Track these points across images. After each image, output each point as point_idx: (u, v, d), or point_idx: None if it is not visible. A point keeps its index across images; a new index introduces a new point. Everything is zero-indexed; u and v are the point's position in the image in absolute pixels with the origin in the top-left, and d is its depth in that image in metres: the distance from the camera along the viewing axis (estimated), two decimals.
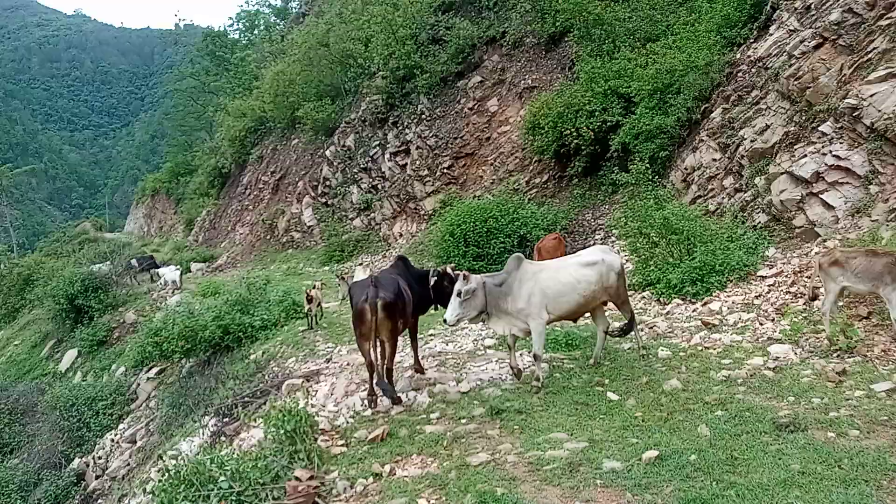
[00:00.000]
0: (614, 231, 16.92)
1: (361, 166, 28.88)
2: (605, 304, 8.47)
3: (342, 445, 6.95)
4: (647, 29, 20.16)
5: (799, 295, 9.57)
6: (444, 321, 7.68)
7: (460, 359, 9.50)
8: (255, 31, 62.87)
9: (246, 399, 9.43)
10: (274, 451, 6.64)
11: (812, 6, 13.88)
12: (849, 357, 7.40)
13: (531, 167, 22.14)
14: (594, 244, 17.17)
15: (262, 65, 45.64)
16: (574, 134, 18.83)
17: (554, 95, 20.79)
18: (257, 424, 8.20)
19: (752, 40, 15.91)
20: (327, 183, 30.95)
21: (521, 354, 9.27)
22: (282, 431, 6.83)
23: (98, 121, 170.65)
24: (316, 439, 7.10)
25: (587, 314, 8.49)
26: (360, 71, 31.19)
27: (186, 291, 24.50)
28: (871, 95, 11.11)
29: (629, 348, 9.04)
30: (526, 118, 21.11)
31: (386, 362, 7.69)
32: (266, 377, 10.28)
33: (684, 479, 5.15)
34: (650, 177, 14.42)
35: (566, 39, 23.18)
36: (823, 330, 8.18)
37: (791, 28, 14.34)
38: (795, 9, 14.47)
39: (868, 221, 10.39)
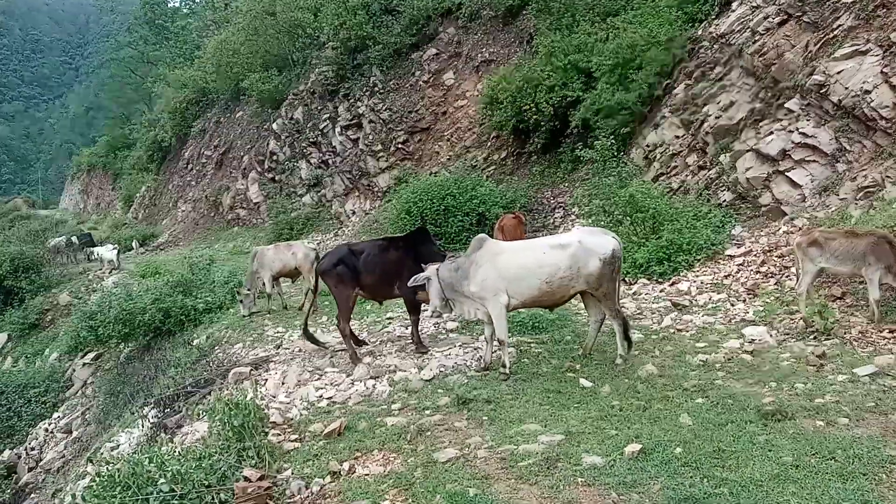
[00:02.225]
0: (574, 209, 16.59)
1: (311, 140, 27.83)
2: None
3: (296, 440, 6.35)
4: (606, 3, 19.71)
5: (770, 275, 9.35)
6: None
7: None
8: None
9: (189, 389, 8.70)
10: (220, 449, 6.00)
11: None
12: (826, 339, 7.16)
13: (489, 143, 21.60)
14: (553, 222, 16.87)
15: (205, 34, 43.82)
16: (533, 109, 18.34)
17: (512, 70, 20.24)
18: (201, 417, 7.52)
19: (713, 16, 15.63)
20: (274, 157, 29.78)
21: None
22: (229, 426, 6.18)
23: (28, 92, 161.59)
24: (266, 434, 6.46)
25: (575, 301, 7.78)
26: (309, 41, 29.99)
27: (125, 272, 23.25)
28: (838, 72, 10.91)
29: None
30: (484, 92, 20.52)
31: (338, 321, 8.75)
32: (210, 365, 9.54)
33: (672, 476, 4.74)
34: (615, 153, 14.05)
35: (524, 12, 22.62)
36: (797, 311, 7.95)
37: (754, 4, 14.09)
38: None
39: (836, 200, 10.23)
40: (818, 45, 11.67)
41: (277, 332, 10.81)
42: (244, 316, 12.18)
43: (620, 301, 7.84)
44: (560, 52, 18.52)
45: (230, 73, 33.73)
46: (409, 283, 7.68)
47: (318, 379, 8.02)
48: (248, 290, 12.49)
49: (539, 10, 21.10)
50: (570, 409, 6.15)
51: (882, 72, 10.24)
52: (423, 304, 8.47)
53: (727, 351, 7.27)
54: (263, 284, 12.62)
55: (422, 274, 7.57)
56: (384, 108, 24.99)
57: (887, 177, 9.64)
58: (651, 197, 12.12)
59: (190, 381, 9.22)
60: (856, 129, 10.57)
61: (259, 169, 30.87)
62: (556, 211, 17.24)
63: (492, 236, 14.30)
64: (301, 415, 6.96)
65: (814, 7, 12.11)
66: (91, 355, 17.31)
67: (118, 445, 9.42)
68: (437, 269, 7.45)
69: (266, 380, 8.16)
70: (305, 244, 13.25)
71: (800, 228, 10.30)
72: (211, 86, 37.32)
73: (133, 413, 10.22)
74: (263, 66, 31.67)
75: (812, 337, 7.31)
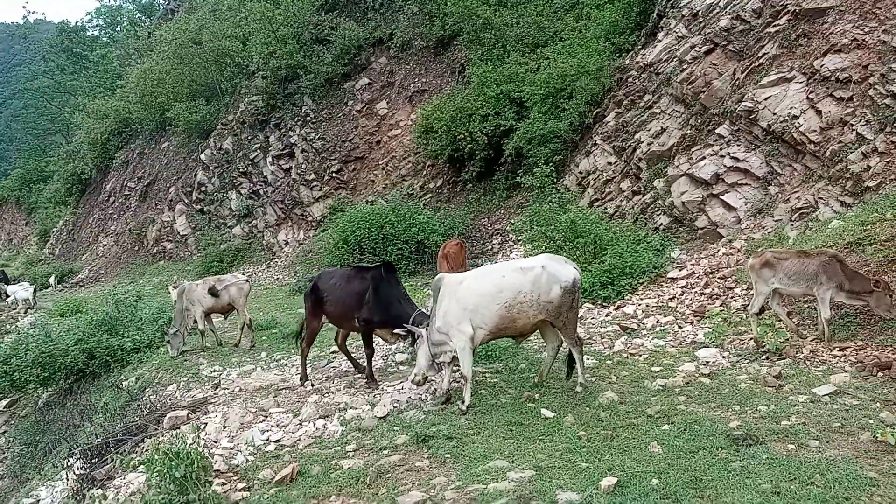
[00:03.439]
0: (511, 235, 16.61)
1: (241, 170, 27.09)
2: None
3: (244, 489, 5.88)
4: (535, 34, 20.14)
5: (714, 296, 9.48)
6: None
7: None
8: (118, 28, 58.35)
9: (119, 437, 8.00)
10: (161, 503, 5.48)
11: (699, 14, 14.19)
12: (778, 359, 7.23)
13: (425, 172, 21.52)
14: (491, 249, 16.83)
15: (127, 63, 42.32)
16: (468, 138, 18.42)
17: (445, 99, 20.32)
18: (136, 468, 6.90)
19: (640, 47, 16.12)
20: (203, 189, 28.80)
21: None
22: (169, 478, 5.66)
23: None
24: (211, 484, 5.96)
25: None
26: (238, 70, 29.42)
27: (42, 311, 21.75)
28: (766, 99, 11.35)
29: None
30: (418, 122, 20.50)
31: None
32: (142, 409, 8.83)
33: None
34: (554, 180, 14.16)
35: (455, 43, 22.85)
36: (747, 332, 8.04)
37: (680, 34, 14.60)
38: (683, 16, 14.76)
39: (771, 221, 10.54)
40: (745, 72, 12.14)
41: (214, 371, 10.18)
42: (173, 357, 11.47)
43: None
44: (492, 82, 18.73)
45: (155, 102, 32.61)
46: (395, 331, 7.68)
47: (263, 420, 7.52)
48: (176, 329, 11.76)
49: (470, 41, 21.34)
50: (536, 442, 5.93)
51: (808, 97, 10.70)
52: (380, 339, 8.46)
53: (684, 374, 7.24)
54: (195, 322, 11.94)
55: (412, 328, 7.43)
56: (317, 137, 24.63)
57: (819, 198, 10.01)
58: (591, 222, 12.22)
59: (120, 427, 8.50)
60: (786, 153, 10.98)
61: (186, 200, 29.76)
62: (494, 237, 17.23)
63: (435, 264, 14.20)
64: (247, 460, 6.48)
65: (739, 36, 12.61)
66: (4, 401, 15.95)
67: (38, 501, 8.60)
68: (427, 330, 7.22)
69: (206, 423, 7.60)
70: (237, 276, 12.63)
71: (738, 250, 10.55)
72: (134, 116, 35.95)
73: (55, 465, 9.36)
74: (190, 95, 30.79)
75: (764, 357, 7.38)
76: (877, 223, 8.40)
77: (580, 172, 16.11)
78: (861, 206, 9.32)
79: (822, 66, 10.77)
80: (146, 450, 7.41)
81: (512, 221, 16.96)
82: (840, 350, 7.10)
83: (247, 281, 12.58)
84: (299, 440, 6.81)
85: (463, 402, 6.84)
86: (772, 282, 7.63)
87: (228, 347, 11.93)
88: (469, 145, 18.51)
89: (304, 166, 24.73)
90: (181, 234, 29.40)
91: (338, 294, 8.47)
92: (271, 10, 25.99)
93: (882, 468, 4.77)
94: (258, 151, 26.53)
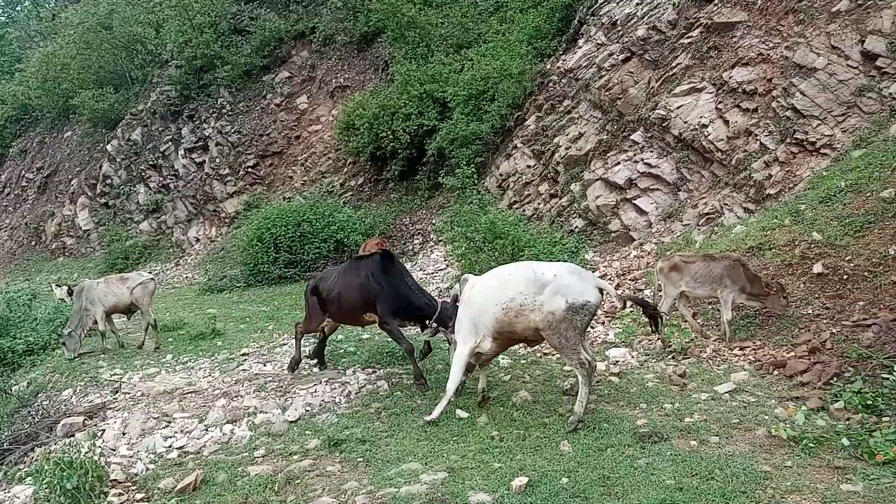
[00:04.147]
0: (432, 235, 16.59)
1: (150, 163, 25.90)
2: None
3: (143, 500, 5.55)
4: (459, 35, 20.22)
5: None
6: None
7: (283, 381, 8.30)
8: (19, 7, 54.70)
9: (6, 446, 7.42)
10: None
11: (618, 22, 14.61)
12: (683, 359, 7.49)
13: (346, 169, 21.21)
14: (412, 249, 16.75)
15: (28, 45, 39.68)
16: (390, 137, 18.29)
17: (368, 96, 20.12)
18: (23, 480, 6.42)
19: (561, 52, 16.44)
20: (108, 181, 27.33)
21: (353, 371, 8.37)
22: (60, 490, 5.29)
23: None
24: (106, 494, 5.62)
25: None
26: (150, 58, 28.19)
27: None
28: (678, 107, 11.77)
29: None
30: (339, 118, 20.21)
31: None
32: (33, 416, 8.22)
33: None
34: (475, 181, 14.22)
35: (379, 40, 22.68)
36: (655, 333, 8.28)
37: (599, 42, 14.99)
38: (602, 24, 15.16)
39: (680, 226, 10.94)
40: (659, 81, 12.56)
41: (114, 375, 9.61)
42: (70, 359, 10.77)
43: None
44: (416, 80, 18.66)
45: (58, 89, 30.65)
46: (424, 333, 7.51)
47: (167, 426, 7.14)
48: (71, 330, 11.01)
49: (394, 39, 21.20)
50: (450, 444, 5.88)
51: (716, 108, 11.17)
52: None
53: (595, 373, 7.36)
54: (94, 322, 11.27)
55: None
56: (233, 130, 23.87)
57: (725, 204, 10.46)
58: (509, 224, 12.32)
59: (7, 436, 7.89)
60: (695, 161, 11.42)
61: (90, 194, 28.18)
62: (416, 237, 17.17)
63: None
64: (148, 469, 6.13)
65: (654, 46, 13.04)
66: None
67: None
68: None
69: (103, 430, 7.15)
70: (143, 275, 11.99)
71: (649, 253, 10.89)
72: (35, 102, 33.68)
73: None
74: (97, 82, 29.15)
75: (670, 357, 7.63)
76: (776, 229, 8.84)
77: (501, 174, 16.27)
78: (762, 212, 9.79)
79: (730, 77, 11.26)
80: (36, 460, 6.92)
81: (433, 221, 16.95)
82: (740, 349, 7.42)
83: (152, 279, 11.97)
84: (204, 446, 6.50)
85: (429, 414, 6.43)
86: (679, 284, 7.90)
87: (131, 349, 11.32)
88: (391, 144, 18.37)
89: (218, 160, 23.90)
90: (83, 229, 27.81)
91: (338, 290, 7.92)
92: None
93: (775, 462, 4.98)
94: (169, 143, 25.46)
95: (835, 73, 10.06)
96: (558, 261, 11.31)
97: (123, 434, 6.96)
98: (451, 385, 6.41)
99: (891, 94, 9.56)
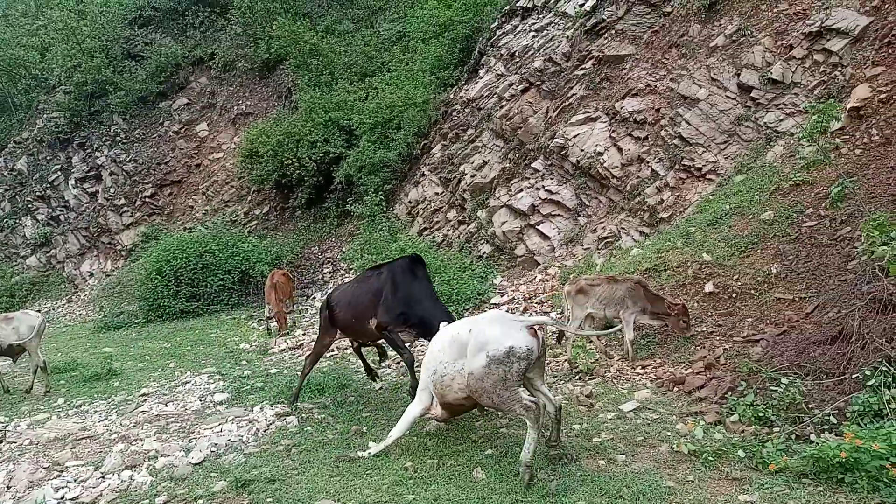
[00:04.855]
0: (343, 263, 16.45)
1: (37, 194, 24.35)
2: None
3: None
4: (363, 64, 20.34)
5: None
6: None
7: (187, 421, 7.93)
8: None
9: None
10: None
11: (516, 54, 15.13)
12: (590, 379, 7.72)
13: (250, 197, 20.72)
14: (322, 278, 16.52)
15: None
16: (296, 164, 18.07)
17: (272, 123, 19.84)
18: None
19: (463, 82, 16.83)
20: None
21: (261, 408, 8.11)
22: None
23: None
24: None
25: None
26: (35, 83, 26.59)
27: None
28: (575, 136, 12.28)
29: (381, 388, 8.46)
30: (242, 145, 19.79)
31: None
32: None
33: None
34: (384, 209, 14.24)
35: (282, 67, 22.45)
36: (562, 353, 8.51)
37: (499, 72, 15.45)
38: (501, 55, 15.65)
39: (581, 249, 11.35)
40: (556, 111, 13.07)
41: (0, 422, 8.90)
42: None
43: None
44: (320, 108, 18.59)
45: None
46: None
47: (58, 476, 6.64)
48: None
49: (297, 66, 21.07)
50: (363, 477, 5.79)
51: (610, 136, 11.73)
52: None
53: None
54: None
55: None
56: (128, 159, 22.87)
57: (622, 228, 10.96)
58: (420, 251, 12.40)
59: None
60: (592, 187, 11.92)
61: None
62: (325, 266, 16.95)
63: (261, 295, 13.63)
64: None
65: (551, 77, 13.57)
66: None
67: None
68: None
69: None
70: (30, 314, 11.20)
71: (553, 276, 11.22)
72: None
73: None
74: None
75: (577, 378, 7.85)
76: (669, 251, 9.33)
77: (410, 202, 16.38)
78: (656, 235, 10.33)
79: (622, 107, 11.88)
80: None
81: (343, 249, 16.80)
82: (642, 368, 7.74)
83: (41, 319, 11.19)
84: (101, 496, 6.08)
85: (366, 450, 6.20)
86: (586, 306, 8.17)
87: (18, 394, 10.51)
88: (297, 171, 18.15)
89: (112, 190, 22.78)
90: None
91: (348, 298, 7.45)
92: (75, 21, 23.86)
93: (678, 476, 5.20)
94: (59, 173, 24.06)
95: (716, 104, 10.82)
96: (468, 286, 11.50)
97: (8, 488, 6.42)
98: (393, 435, 6.10)
99: (766, 122, 10.36)
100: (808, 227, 8.19)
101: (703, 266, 8.69)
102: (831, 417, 5.54)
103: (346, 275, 15.64)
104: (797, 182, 8.90)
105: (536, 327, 5.33)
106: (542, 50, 14.45)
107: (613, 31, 12.83)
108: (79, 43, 23.62)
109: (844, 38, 10.00)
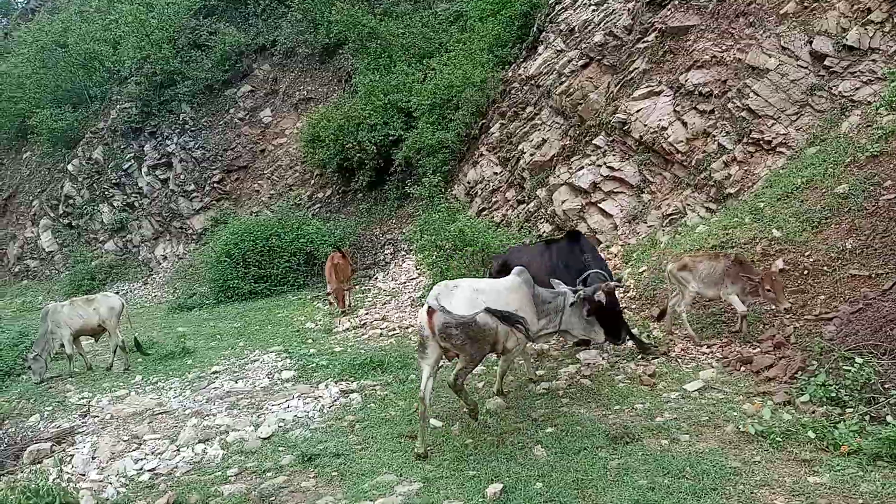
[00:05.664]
0: (403, 244, 16.61)
1: (113, 181, 25.48)
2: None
3: None
4: (421, 45, 20.30)
5: None
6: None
7: (256, 397, 8.24)
8: None
9: None
10: None
11: (575, 29, 14.81)
12: (653, 359, 7.59)
13: (313, 181, 21.13)
14: (384, 259, 16.75)
15: None
16: (356, 147, 18.28)
17: (332, 108, 20.09)
18: None
19: (521, 59, 16.61)
20: (70, 201, 26.84)
21: (326, 385, 8.32)
22: None
23: None
24: None
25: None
26: (109, 75, 27.73)
27: None
28: (637, 111, 11.97)
29: None
30: (304, 130, 20.12)
31: None
32: None
33: None
34: (442, 190, 14.27)
35: (341, 51, 22.65)
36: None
37: (558, 48, 15.16)
38: (560, 31, 15.34)
39: (645, 227, 11.11)
40: (618, 86, 12.76)
41: (83, 399, 9.43)
42: (37, 384, 10.55)
43: None
44: (379, 91, 18.70)
45: (14, 108, 30.00)
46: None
47: (137, 448, 7.04)
48: (36, 353, 10.80)
49: (356, 50, 21.23)
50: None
51: (674, 110, 11.38)
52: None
53: (567, 377, 7.46)
54: (61, 345, 11.06)
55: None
56: (196, 146, 23.63)
57: (687, 205, 10.66)
58: (478, 231, 12.39)
59: None
60: (656, 163, 11.62)
61: (52, 214, 27.63)
62: (387, 247, 17.15)
63: (324, 275, 13.93)
64: (119, 493, 6.01)
65: (612, 51, 13.25)
66: None
67: None
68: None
69: (72, 455, 7.01)
70: (109, 296, 11.79)
71: (615, 255, 11.04)
72: None
73: None
74: (55, 101, 28.60)
75: (640, 357, 7.73)
76: (737, 227, 9.03)
77: (468, 182, 16.36)
78: (723, 211, 10.00)
79: (686, 80, 11.49)
80: (1, 489, 6.75)
81: (403, 231, 16.97)
82: (708, 347, 7.56)
83: (120, 300, 11.79)
84: (176, 467, 6.42)
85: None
86: (691, 284, 7.71)
87: (100, 372, 11.13)
88: (358, 154, 18.37)
89: (182, 176, 23.63)
90: (47, 250, 27.25)
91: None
92: (144, 14, 24.68)
93: (744, 457, 5.09)
94: (132, 161, 25.09)
95: (786, 74, 10.34)
96: None
97: (93, 458, 6.83)
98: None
99: (840, 92, 9.85)
100: (886, 200, 7.77)
101: (773, 242, 8.37)
102: None
103: (407, 255, 15.79)
104: (874, 153, 8.44)
105: (437, 309, 5.71)
106: (602, 24, 14.09)
107: (677, 2, 12.37)
108: (147, 35, 24.46)
109: None
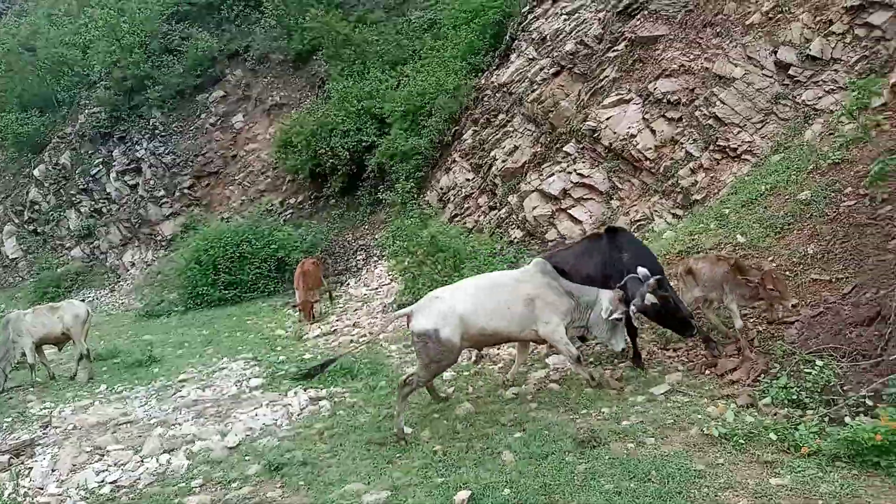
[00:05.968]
0: (375, 251, 16.58)
1: (80, 187, 25.06)
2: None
3: None
4: (395, 52, 20.37)
5: None
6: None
7: (223, 406, 8.13)
8: None
9: None
10: None
11: (547, 38, 14.94)
12: (620, 363, 7.65)
13: (285, 187, 21.02)
14: (356, 265, 16.69)
15: None
16: (329, 153, 18.26)
17: (305, 114, 20.05)
18: None
19: (494, 67, 16.71)
20: (36, 207, 26.32)
21: (295, 392, 8.25)
22: None
23: None
24: None
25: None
26: (77, 80, 27.25)
27: None
28: (607, 119, 12.10)
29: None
30: (277, 136, 20.05)
31: None
32: None
33: None
34: (414, 196, 14.29)
35: (315, 58, 22.60)
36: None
37: (530, 57, 15.29)
38: (532, 39, 15.47)
39: None
40: (589, 94, 12.90)
41: (44, 409, 9.23)
42: None
43: None
44: (353, 97, 18.71)
45: None
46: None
47: (99, 460, 6.90)
48: None
49: (330, 57, 21.20)
50: (393, 461, 5.87)
51: (643, 118, 11.53)
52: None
53: (536, 381, 7.48)
54: (23, 354, 10.82)
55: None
56: (166, 151, 23.37)
57: (655, 211, 10.79)
58: (450, 237, 12.42)
59: None
60: (625, 170, 11.75)
61: (17, 220, 27.05)
62: (359, 253, 17.11)
63: (293, 282, 13.83)
64: None
65: (583, 60, 13.39)
66: None
67: None
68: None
69: (31, 469, 6.84)
70: (75, 303, 11.57)
71: None
72: None
73: None
74: (21, 106, 28.04)
75: (609, 361, 7.78)
76: (703, 233, 9.15)
77: (441, 188, 16.39)
78: (689, 217, 10.14)
79: (655, 88, 11.65)
80: None
81: (376, 237, 16.94)
82: (674, 351, 7.64)
83: (86, 308, 11.56)
84: (139, 479, 6.31)
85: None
86: (695, 289, 7.59)
87: (63, 381, 10.91)
88: (331, 160, 18.34)
89: (152, 182, 23.32)
90: (10, 257, 26.65)
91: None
92: (115, 18, 24.37)
93: (708, 460, 5.15)
94: (100, 167, 24.71)
95: (752, 83, 10.54)
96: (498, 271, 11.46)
97: (53, 471, 6.68)
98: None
99: (804, 101, 10.06)
100: (847, 206, 7.94)
101: (737, 248, 8.50)
102: (867, 400, 5.40)
103: (379, 261, 15.76)
104: (836, 161, 8.63)
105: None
106: (573, 33, 14.23)
107: (646, 12, 12.56)
108: (118, 39, 24.14)
109: (888, 10, 9.62)
